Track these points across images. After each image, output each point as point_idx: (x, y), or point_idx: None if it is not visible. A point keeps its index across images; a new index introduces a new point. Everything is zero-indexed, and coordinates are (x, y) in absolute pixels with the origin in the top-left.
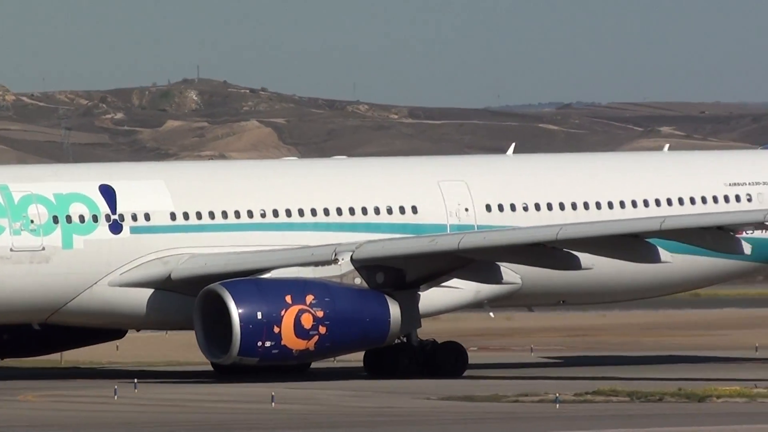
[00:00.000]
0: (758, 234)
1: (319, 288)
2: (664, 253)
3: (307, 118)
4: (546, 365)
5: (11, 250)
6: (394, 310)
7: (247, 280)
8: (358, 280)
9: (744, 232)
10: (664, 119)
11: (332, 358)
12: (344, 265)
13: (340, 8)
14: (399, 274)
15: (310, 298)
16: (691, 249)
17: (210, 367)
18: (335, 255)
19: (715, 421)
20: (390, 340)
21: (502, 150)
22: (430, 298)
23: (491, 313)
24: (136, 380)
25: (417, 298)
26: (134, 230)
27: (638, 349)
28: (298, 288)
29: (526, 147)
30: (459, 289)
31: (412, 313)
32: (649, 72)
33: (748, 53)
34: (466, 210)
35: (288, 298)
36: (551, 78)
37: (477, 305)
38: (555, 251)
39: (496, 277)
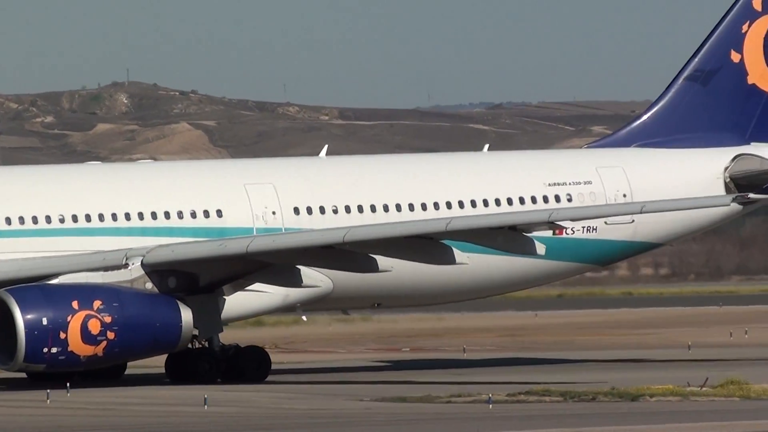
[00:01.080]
0: (579, 235)
1: (107, 293)
2: (459, 255)
3: (237, 120)
4: (478, 365)
5: None
6: (186, 315)
7: (32, 286)
8: (149, 285)
9: (564, 232)
10: (595, 118)
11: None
12: (134, 270)
13: (269, 9)
14: (192, 278)
15: (97, 304)
16: (506, 251)
17: (142, 371)
18: (126, 260)
19: (649, 420)
20: (182, 345)
21: (434, 150)
22: (235, 302)
23: (303, 317)
24: (68, 384)
25: (215, 303)
26: None
27: (571, 349)
28: (85, 293)
29: (456, 147)
30: (267, 293)
31: (211, 318)
32: (579, 71)
33: (678, 53)
34: (274, 213)
35: (74, 304)
36: (481, 78)
37: (288, 309)
38: (348, 254)
39: (296, 281)
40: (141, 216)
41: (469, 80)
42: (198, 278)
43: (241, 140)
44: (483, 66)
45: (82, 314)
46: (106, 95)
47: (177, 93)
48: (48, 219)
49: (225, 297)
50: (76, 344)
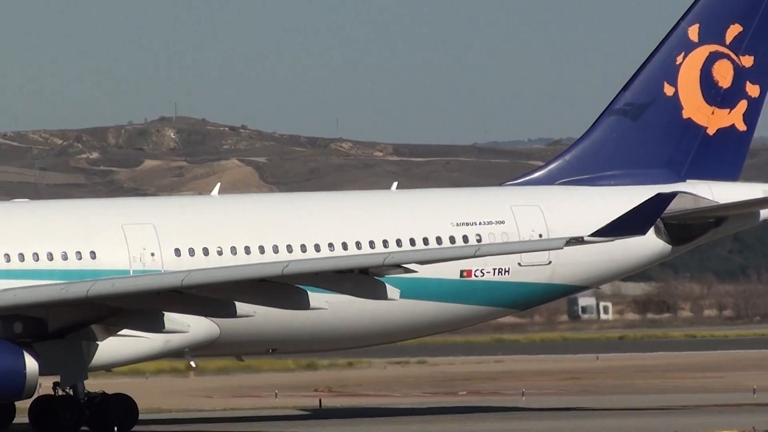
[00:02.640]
0: (490, 277)
1: None
2: (315, 299)
3: (288, 156)
4: (538, 410)
5: None
6: (31, 362)
7: None
8: None
9: (472, 274)
10: None
11: None
12: None
13: (322, 43)
14: (40, 323)
15: None
16: (409, 292)
17: (192, 415)
18: None
19: None
20: (28, 393)
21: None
22: (108, 348)
23: (192, 363)
24: (116, 428)
25: (77, 349)
26: None
27: (633, 393)
28: None
29: None
30: (145, 339)
31: (73, 364)
32: None
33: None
34: (152, 255)
35: None
36: (540, 114)
37: (175, 354)
38: (194, 298)
39: (158, 326)
40: (7, 258)
41: (528, 116)
42: (47, 323)
43: (292, 177)
44: (541, 101)
45: None
46: (154, 130)
47: (226, 128)
48: None
49: (97, 342)
50: None
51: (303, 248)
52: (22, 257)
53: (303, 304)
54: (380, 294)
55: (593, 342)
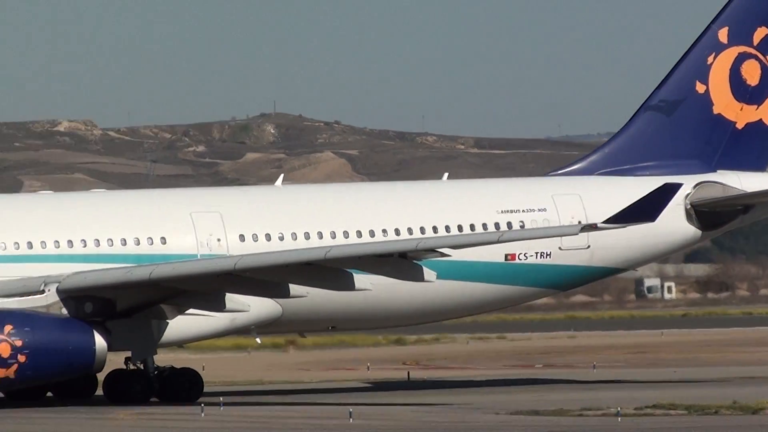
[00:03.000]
0: (534, 260)
1: (19, 318)
2: (360, 281)
3: (378, 149)
4: (608, 381)
5: None
6: (100, 339)
7: None
8: (64, 310)
9: (516, 258)
10: None
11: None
12: (50, 296)
13: (409, 44)
14: (109, 303)
15: (8, 328)
16: (457, 274)
17: (291, 386)
18: (43, 286)
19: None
20: (98, 367)
21: None
22: (180, 326)
23: (258, 339)
24: (221, 399)
25: (147, 327)
26: None
27: (695, 365)
28: None
29: None
30: (212, 317)
31: (143, 341)
32: None
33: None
34: (218, 240)
35: None
36: (610, 107)
37: (242, 332)
38: (248, 281)
39: (220, 306)
40: (84, 243)
41: (597, 111)
42: (115, 304)
43: (381, 168)
44: (612, 95)
45: None
46: (254, 126)
47: (321, 123)
48: None
49: (166, 321)
50: None
51: (359, 234)
52: (97, 243)
53: (348, 285)
54: (417, 276)
55: (658, 319)
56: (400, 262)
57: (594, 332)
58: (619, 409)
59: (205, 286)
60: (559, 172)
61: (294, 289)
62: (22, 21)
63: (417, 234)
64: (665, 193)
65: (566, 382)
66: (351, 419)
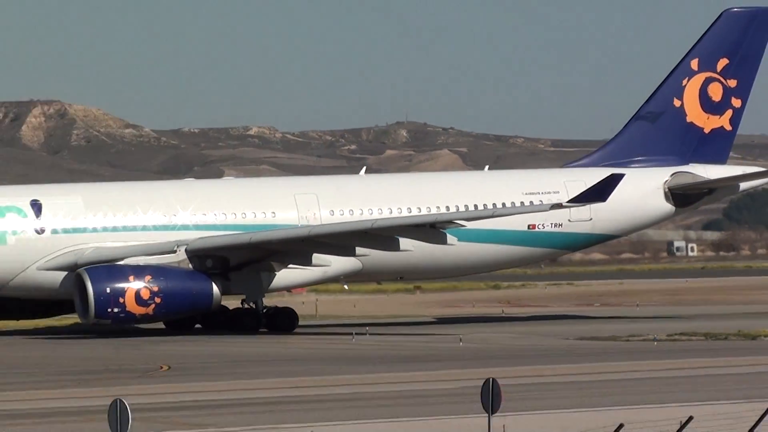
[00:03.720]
0: (549, 229)
1: (156, 270)
2: (403, 243)
3: (481, 147)
4: (648, 316)
5: None
6: (216, 287)
7: (102, 266)
8: (190, 265)
9: (536, 227)
10: None
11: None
12: (180, 255)
13: (502, 62)
14: (224, 260)
15: (148, 278)
16: (492, 239)
17: (417, 319)
18: (176, 247)
19: (762, 353)
20: (215, 307)
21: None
22: (285, 276)
23: (345, 286)
24: (367, 328)
25: (257, 276)
26: (56, 232)
27: (711, 304)
28: (139, 271)
29: None
30: (309, 270)
31: (255, 287)
32: None
33: None
34: (314, 214)
35: (131, 278)
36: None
37: (333, 280)
38: (319, 243)
39: (308, 262)
40: (223, 216)
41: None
42: (228, 260)
43: (484, 162)
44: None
45: (136, 285)
46: (392, 130)
47: (440, 129)
48: (141, 220)
49: (274, 272)
50: (131, 306)
51: (419, 209)
52: (224, 215)
53: (395, 247)
54: (443, 241)
55: (683, 271)
56: (431, 230)
57: (637, 280)
58: (655, 336)
59: (294, 247)
60: (572, 164)
61: (358, 250)
62: (220, 46)
63: (453, 209)
64: (612, 181)
65: (617, 317)
66: (461, 343)
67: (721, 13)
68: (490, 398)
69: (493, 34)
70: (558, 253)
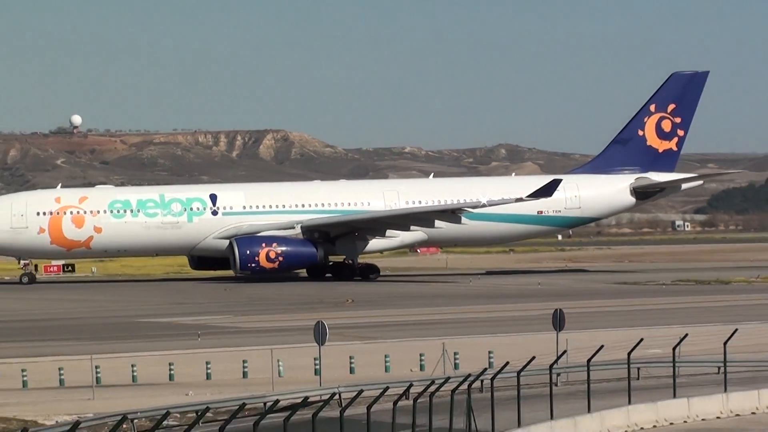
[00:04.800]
0: (552, 214)
1: (280, 239)
2: (438, 224)
3: (553, 161)
4: (660, 270)
5: (162, 222)
6: (320, 250)
7: (246, 236)
8: (302, 236)
9: (544, 213)
10: None
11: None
12: (297, 230)
13: (574, 100)
14: (326, 233)
15: (274, 244)
16: (513, 220)
17: (512, 269)
18: (295, 225)
19: (730, 292)
20: (320, 264)
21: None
22: (374, 243)
23: (418, 250)
24: (478, 276)
25: (354, 243)
26: (225, 213)
27: (699, 261)
28: (269, 239)
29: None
30: (391, 239)
31: (352, 249)
32: None
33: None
34: (395, 203)
35: (263, 244)
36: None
37: (409, 247)
38: (388, 222)
39: (383, 234)
40: (335, 205)
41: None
42: (329, 233)
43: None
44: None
45: (266, 248)
46: (495, 149)
47: (527, 148)
48: (280, 206)
49: (366, 240)
50: (264, 262)
51: (457, 201)
52: (334, 204)
53: (431, 225)
54: (459, 221)
55: (682, 240)
56: (451, 215)
57: (652, 246)
58: (663, 282)
59: (372, 225)
60: (573, 171)
61: (412, 227)
62: (391, 87)
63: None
64: (556, 183)
65: (639, 271)
66: (539, 285)
67: (671, 74)
68: (558, 321)
69: (578, 83)
70: (557, 230)
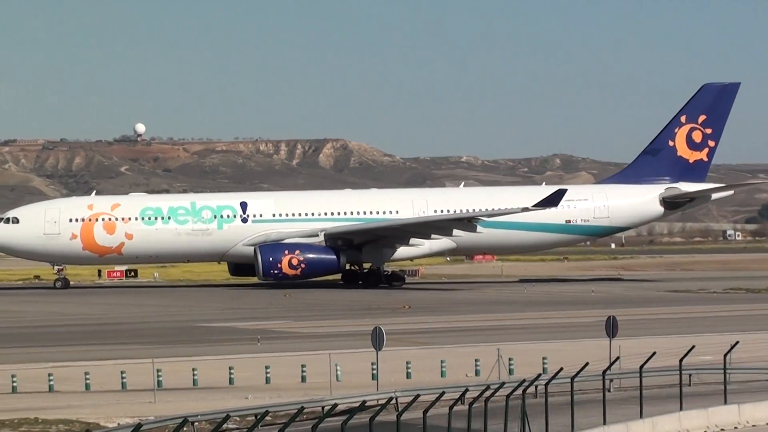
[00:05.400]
0: (580, 223)
1: (303, 246)
2: (456, 232)
3: (606, 171)
4: (710, 278)
5: (192, 230)
6: (342, 257)
7: (270, 243)
8: (325, 243)
9: (572, 222)
10: None
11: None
12: (320, 237)
13: (626, 113)
14: (349, 240)
15: (297, 251)
16: (542, 228)
17: (565, 278)
18: (319, 232)
19: None
20: (341, 270)
21: None
22: (402, 251)
23: (448, 258)
24: (534, 284)
25: (380, 250)
26: (255, 221)
27: (750, 270)
28: (292, 246)
29: None
30: (419, 247)
31: (378, 257)
32: None
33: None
34: (423, 212)
35: (286, 251)
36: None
37: (439, 255)
38: (409, 231)
39: (406, 242)
40: (361, 213)
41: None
42: (352, 240)
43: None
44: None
45: (289, 256)
46: (550, 159)
47: (580, 158)
48: (302, 214)
49: (396, 247)
50: (286, 269)
51: (480, 211)
52: (363, 213)
53: (449, 233)
54: (474, 230)
55: (733, 249)
56: (467, 223)
57: (704, 255)
58: (714, 290)
59: (394, 233)
60: (605, 181)
61: (433, 235)
62: (454, 102)
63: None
64: (560, 193)
65: (690, 279)
66: (593, 293)
67: (702, 86)
68: (611, 328)
69: (623, 95)
70: (585, 239)
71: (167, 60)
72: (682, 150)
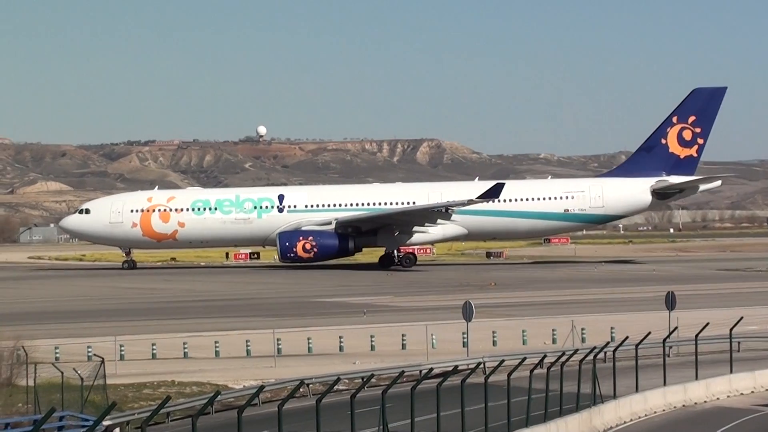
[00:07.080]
0: (578, 212)
1: (316, 233)
2: (454, 219)
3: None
4: (738, 258)
5: (235, 219)
6: (351, 242)
7: (288, 230)
8: (337, 230)
9: (569, 210)
10: None
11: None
12: (333, 224)
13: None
14: (358, 228)
15: (310, 237)
16: (542, 216)
17: (591, 260)
18: (332, 221)
19: None
20: (351, 254)
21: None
22: (415, 237)
23: (463, 243)
24: (600, 264)
25: (395, 236)
26: (290, 211)
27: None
28: (306, 233)
29: None
30: (431, 233)
31: (393, 242)
32: None
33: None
34: (438, 203)
35: (300, 237)
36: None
37: (452, 240)
38: (408, 218)
39: (408, 229)
40: (381, 203)
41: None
42: (360, 227)
43: None
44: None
45: (303, 241)
46: (617, 155)
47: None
48: (329, 204)
49: (412, 233)
50: (300, 252)
51: (470, 203)
52: (381, 204)
53: (447, 219)
54: (449, 218)
55: (744, 233)
56: (444, 213)
57: (751, 238)
58: (760, 269)
59: (398, 219)
60: (603, 175)
61: (436, 222)
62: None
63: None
64: (500, 186)
65: (739, 259)
66: (654, 271)
67: (693, 90)
68: (670, 302)
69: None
70: (582, 226)
71: (287, 69)
72: (674, 147)
